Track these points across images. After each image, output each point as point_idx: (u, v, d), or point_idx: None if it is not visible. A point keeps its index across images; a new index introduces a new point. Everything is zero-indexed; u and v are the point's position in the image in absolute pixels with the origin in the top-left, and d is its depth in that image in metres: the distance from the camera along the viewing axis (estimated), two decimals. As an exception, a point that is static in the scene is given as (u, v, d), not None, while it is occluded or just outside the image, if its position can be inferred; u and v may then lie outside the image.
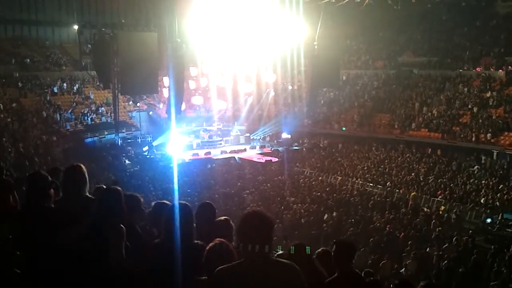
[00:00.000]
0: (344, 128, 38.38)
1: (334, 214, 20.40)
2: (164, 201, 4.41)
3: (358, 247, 17.00)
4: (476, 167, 29.33)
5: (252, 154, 36.49)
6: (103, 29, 36.44)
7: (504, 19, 40.87)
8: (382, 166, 31.13)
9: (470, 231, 19.04)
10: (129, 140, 37.60)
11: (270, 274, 2.80)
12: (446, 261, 14.66)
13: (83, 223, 3.79)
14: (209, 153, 35.35)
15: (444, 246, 16.22)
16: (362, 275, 8.55)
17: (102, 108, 40.61)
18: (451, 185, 26.31)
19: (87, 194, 4.26)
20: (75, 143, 34.07)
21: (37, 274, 3.82)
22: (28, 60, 41.54)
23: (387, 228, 18.15)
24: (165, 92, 37.69)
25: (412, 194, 24.94)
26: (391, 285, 4.50)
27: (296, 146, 38.90)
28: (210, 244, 3.37)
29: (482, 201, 23.58)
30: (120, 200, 3.99)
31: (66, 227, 3.87)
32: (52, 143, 31.93)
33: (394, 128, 36.58)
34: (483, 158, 30.35)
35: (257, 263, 2.81)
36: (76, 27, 45.80)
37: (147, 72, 32.38)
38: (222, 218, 4.47)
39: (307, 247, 4.05)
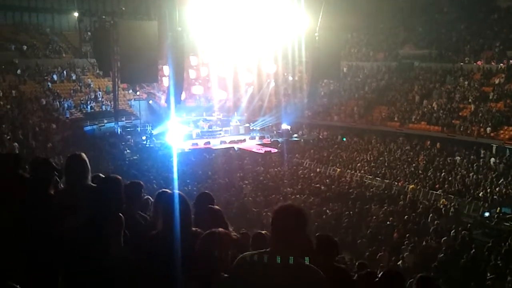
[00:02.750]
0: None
1: (331, 205, 20.46)
2: (165, 190, 4.37)
3: (356, 239, 17.13)
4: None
5: (252, 144, 36.48)
6: (103, 16, 36.25)
7: (506, 13, 40.74)
8: (381, 159, 31.14)
9: (469, 225, 19.09)
10: (128, 129, 37.53)
11: (290, 275, 2.76)
12: (443, 254, 14.72)
13: (82, 212, 3.77)
14: (208, 143, 35.34)
15: (442, 239, 16.26)
16: (356, 266, 8.59)
17: (100, 93, 40.52)
18: (450, 178, 26.33)
19: (90, 183, 4.19)
20: (74, 131, 34.02)
21: (36, 263, 3.81)
22: (26, 47, 41.32)
23: (390, 221, 18.20)
24: (165, 81, 37.57)
25: (411, 187, 24.99)
26: (381, 274, 4.49)
27: (295, 137, 38.88)
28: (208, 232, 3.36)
29: (480, 194, 23.62)
30: (119, 189, 3.98)
31: (66, 215, 3.86)
32: (51, 131, 31.90)
33: (394, 120, 36.56)
34: (482, 152, 30.35)
35: (277, 261, 2.77)
36: (76, 14, 45.67)
37: (147, 61, 32.24)
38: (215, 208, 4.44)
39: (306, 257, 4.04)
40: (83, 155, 4.20)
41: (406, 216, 19.24)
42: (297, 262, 2.79)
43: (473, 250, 14.92)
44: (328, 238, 4.91)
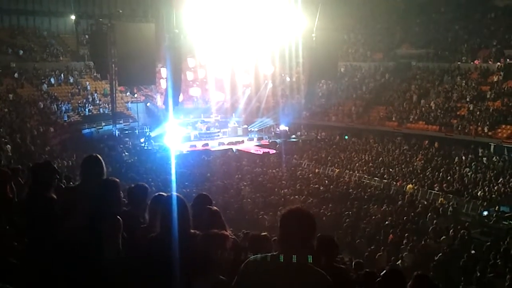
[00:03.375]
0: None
1: (329, 206, 20.44)
2: (161, 193, 4.39)
3: (354, 239, 17.13)
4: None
5: (250, 146, 36.47)
6: (100, 19, 36.26)
7: (503, 12, 40.87)
8: (379, 159, 31.16)
9: (467, 224, 19.09)
10: (126, 131, 37.52)
11: (292, 274, 2.79)
12: (442, 254, 14.72)
13: (80, 214, 3.77)
14: (206, 144, 35.31)
15: (441, 238, 16.27)
16: (353, 266, 8.60)
17: (96, 94, 40.46)
18: (448, 177, 26.36)
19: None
20: (72, 134, 34.01)
21: (34, 264, 3.81)
22: (22, 52, 41.26)
23: (388, 220, 18.19)
24: (163, 83, 37.56)
25: (408, 186, 25.00)
26: (382, 273, 4.51)
27: (293, 138, 38.87)
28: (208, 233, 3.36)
29: (479, 193, 23.64)
30: (117, 191, 3.97)
31: (64, 217, 3.87)
32: (49, 134, 31.86)
33: (392, 120, 36.58)
34: (480, 151, 30.40)
35: (284, 265, 2.80)
36: (73, 17, 45.66)
37: (145, 63, 32.21)
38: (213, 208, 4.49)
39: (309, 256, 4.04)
40: (98, 156, 4.31)
41: (404, 216, 19.24)
42: (300, 262, 2.81)
43: (472, 250, 14.93)
44: (328, 239, 4.93)
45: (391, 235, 16.87)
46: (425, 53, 41.63)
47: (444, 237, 16.40)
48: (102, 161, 4.38)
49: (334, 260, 4.78)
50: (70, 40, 46.27)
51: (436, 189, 24.89)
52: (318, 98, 42.90)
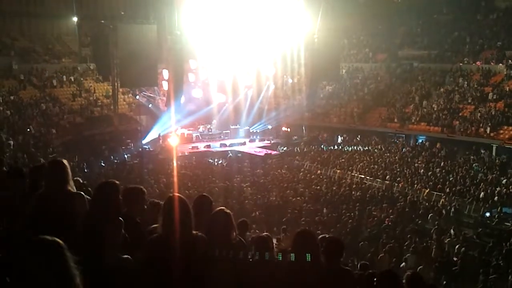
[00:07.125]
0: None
1: (331, 207, 20.42)
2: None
3: (357, 241, 17.10)
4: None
5: (252, 147, 36.43)
6: (102, 21, 36.29)
7: (505, 13, 40.87)
8: (381, 160, 31.11)
9: (470, 225, 19.10)
10: (128, 133, 37.43)
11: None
12: (444, 255, 14.71)
13: (81, 216, 3.78)
14: (209, 146, 35.33)
15: (445, 240, 16.26)
16: (358, 267, 8.60)
17: (95, 95, 40.43)
18: (450, 179, 26.31)
19: (70, 189, 4.18)
20: (74, 136, 34.01)
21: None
22: (25, 52, 41.30)
23: (386, 222, 18.18)
24: (165, 85, 37.56)
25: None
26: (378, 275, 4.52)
27: (295, 139, 38.83)
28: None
29: (481, 195, 23.59)
30: (116, 193, 3.97)
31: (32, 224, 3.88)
32: (51, 136, 31.90)
33: (394, 121, 36.54)
34: (482, 152, 30.34)
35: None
36: (75, 19, 45.68)
37: (147, 65, 32.28)
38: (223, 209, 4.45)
39: (307, 254, 4.02)
40: (63, 161, 4.23)
41: (406, 217, 19.23)
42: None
43: (475, 251, 14.92)
44: (336, 240, 4.92)
45: (396, 234, 16.89)
46: (427, 54, 41.63)
47: (448, 239, 16.39)
48: (67, 166, 4.23)
49: (339, 261, 4.77)
50: (72, 42, 46.29)
51: (438, 190, 24.82)
52: (319, 100, 42.87)
